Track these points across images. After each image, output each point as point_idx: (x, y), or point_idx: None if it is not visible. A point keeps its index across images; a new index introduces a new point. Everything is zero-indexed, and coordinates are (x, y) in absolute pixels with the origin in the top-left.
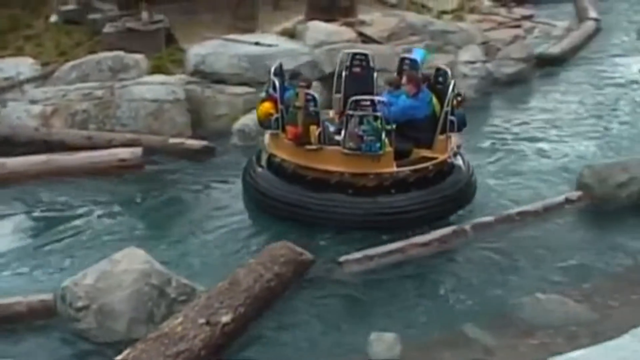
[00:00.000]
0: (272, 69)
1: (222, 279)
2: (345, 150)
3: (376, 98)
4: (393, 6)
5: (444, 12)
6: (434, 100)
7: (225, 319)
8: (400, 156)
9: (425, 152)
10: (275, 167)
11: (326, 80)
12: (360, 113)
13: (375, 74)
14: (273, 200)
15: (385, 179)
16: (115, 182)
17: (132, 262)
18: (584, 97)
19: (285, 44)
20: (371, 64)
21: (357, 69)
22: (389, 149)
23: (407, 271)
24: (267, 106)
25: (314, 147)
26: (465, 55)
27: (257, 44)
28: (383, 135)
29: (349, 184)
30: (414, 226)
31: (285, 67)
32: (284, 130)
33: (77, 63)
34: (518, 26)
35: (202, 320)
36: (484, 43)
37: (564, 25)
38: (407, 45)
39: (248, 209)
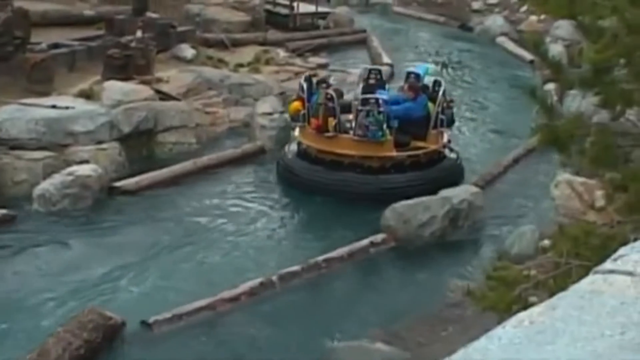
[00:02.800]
0: (303, 77)
1: (31, 350)
2: (355, 138)
3: (379, 96)
4: (189, 62)
5: (241, 65)
6: (429, 104)
7: None
8: (401, 146)
9: (421, 143)
10: (302, 152)
11: (124, 140)
12: (367, 108)
13: (386, 85)
14: (300, 178)
15: (386, 161)
16: None
17: None
18: None
19: (83, 105)
20: (383, 77)
21: (372, 81)
22: (389, 137)
23: (218, 327)
24: (296, 104)
25: (331, 134)
26: (262, 107)
27: (53, 107)
28: (384, 126)
29: (358, 164)
30: (407, 198)
31: (83, 128)
32: (309, 122)
33: None
34: (314, 75)
35: None
36: (281, 94)
37: (359, 72)
38: (204, 100)
39: (53, 273)
